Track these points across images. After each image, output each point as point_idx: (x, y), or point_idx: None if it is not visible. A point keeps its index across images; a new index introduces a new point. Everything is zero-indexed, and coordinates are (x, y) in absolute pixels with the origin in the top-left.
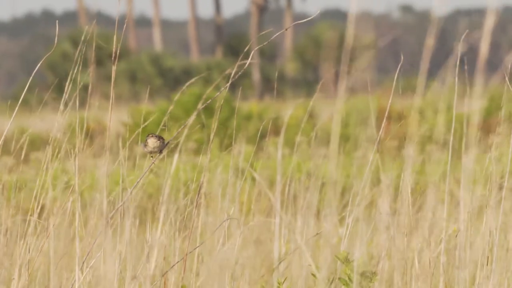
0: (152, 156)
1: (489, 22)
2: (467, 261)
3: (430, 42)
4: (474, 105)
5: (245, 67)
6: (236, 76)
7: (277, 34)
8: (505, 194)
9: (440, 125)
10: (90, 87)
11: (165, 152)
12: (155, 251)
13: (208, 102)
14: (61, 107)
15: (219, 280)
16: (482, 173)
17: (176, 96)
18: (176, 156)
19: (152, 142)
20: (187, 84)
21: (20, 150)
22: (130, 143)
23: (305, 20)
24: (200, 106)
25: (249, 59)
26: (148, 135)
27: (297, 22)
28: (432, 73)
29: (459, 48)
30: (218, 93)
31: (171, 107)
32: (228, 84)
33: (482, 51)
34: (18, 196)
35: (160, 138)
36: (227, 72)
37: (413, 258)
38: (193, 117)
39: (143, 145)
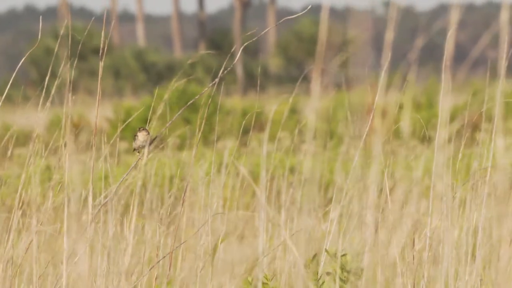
0: (139, 152)
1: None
2: (447, 256)
3: (419, 42)
4: (456, 100)
5: (230, 66)
6: (223, 73)
7: (264, 31)
8: (487, 190)
9: (422, 120)
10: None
11: (152, 147)
12: (146, 247)
13: (194, 99)
14: (42, 102)
15: (201, 276)
16: (459, 168)
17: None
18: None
19: (142, 136)
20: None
21: (3, 146)
22: (113, 139)
23: (293, 16)
24: (184, 102)
25: (237, 56)
26: (139, 128)
27: (285, 18)
28: (414, 68)
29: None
30: (205, 90)
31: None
32: (215, 81)
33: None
34: (1, 192)
35: (149, 132)
36: (220, 75)
37: (395, 254)
38: (178, 114)
39: (134, 139)
